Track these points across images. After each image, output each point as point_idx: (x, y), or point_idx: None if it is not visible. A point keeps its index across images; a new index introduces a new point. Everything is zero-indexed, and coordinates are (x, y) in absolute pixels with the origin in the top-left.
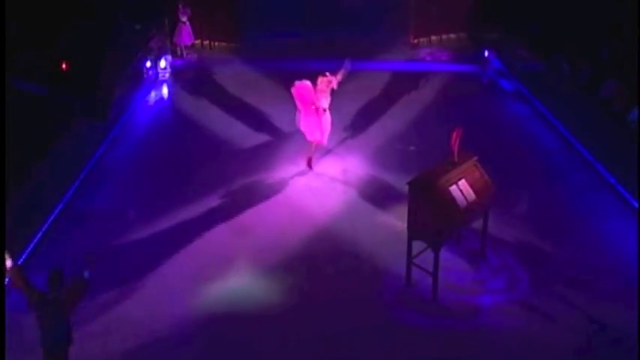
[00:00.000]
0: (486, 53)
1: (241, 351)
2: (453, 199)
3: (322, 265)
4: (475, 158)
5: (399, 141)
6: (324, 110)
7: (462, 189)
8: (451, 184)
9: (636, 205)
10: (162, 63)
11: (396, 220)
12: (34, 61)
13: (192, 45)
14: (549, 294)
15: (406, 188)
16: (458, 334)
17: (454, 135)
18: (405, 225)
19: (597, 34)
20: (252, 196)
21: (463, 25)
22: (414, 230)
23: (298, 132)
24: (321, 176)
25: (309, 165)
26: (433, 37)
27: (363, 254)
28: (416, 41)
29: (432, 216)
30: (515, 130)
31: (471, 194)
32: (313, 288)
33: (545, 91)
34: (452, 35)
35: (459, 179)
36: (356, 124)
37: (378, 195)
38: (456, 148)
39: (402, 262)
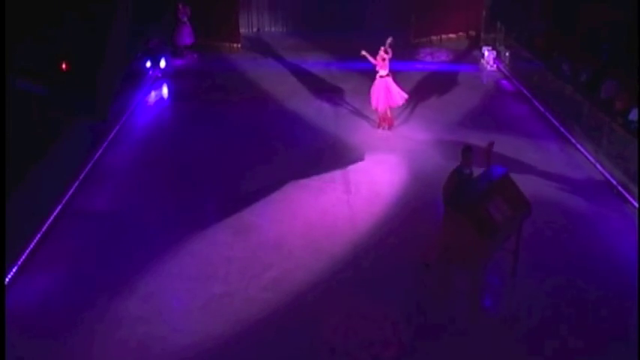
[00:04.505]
0: (486, 53)
1: (242, 350)
2: (490, 217)
3: (321, 266)
4: (506, 171)
5: (398, 141)
6: (381, 77)
7: (498, 206)
8: (487, 202)
9: (636, 205)
10: (162, 63)
11: (396, 219)
12: (34, 61)
13: (192, 45)
14: (548, 293)
15: (407, 187)
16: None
17: (486, 149)
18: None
19: (597, 34)
20: (253, 196)
21: (463, 25)
22: (450, 251)
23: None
24: (321, 176)
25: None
26: (433, 37)
27: (361, 255)
28: (416, 41)
29: (470, 236)
30: (515, 130)
31: (506, 211)
32: (312, 290)
33: (545, 91)
34: (452, 35)
35: (495, 196)
36: (355, 123)
37: (377, 194)
38: (488, 163)
39: (403, 262)
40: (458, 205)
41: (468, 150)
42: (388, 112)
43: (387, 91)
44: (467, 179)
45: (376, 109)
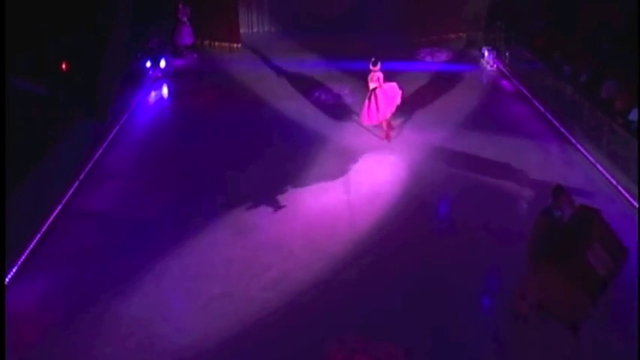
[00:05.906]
0: (486, 53)
1: (242, 350)
2: (592, 269)
3: (321, 266)
4: (598, 211)
5: (398, 141)
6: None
7: (598, 255)
8: (586, 251)
9: (636, 205)
10: (162, 63)
11: (396, 219)
12: (34, 61)
13: (192, 45)
14: None
15: (407, 188)
16: None
17: (562, 194)
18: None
19: (597, 34)
20: (253, 196)
21: (463, 26)
22: (547, 309)
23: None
24: (322, 176)
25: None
26: (433, 37)
27: (361, 255)
28: (416, 41)
29: (571, 292)
30: (515, 130)
31: (607, 259)
32: (312, 290)
33: (545, 91)
34: (452, 35)
35: (592, 242)
36: (354, 123)
37: (377, 194)
38: (572, 204)
39: (403, 263)
40: (553, 258)
41: (560, 190)
42: (384, 123)
43: (376, 104)
44: (557, 224)
45: (379, 122)
